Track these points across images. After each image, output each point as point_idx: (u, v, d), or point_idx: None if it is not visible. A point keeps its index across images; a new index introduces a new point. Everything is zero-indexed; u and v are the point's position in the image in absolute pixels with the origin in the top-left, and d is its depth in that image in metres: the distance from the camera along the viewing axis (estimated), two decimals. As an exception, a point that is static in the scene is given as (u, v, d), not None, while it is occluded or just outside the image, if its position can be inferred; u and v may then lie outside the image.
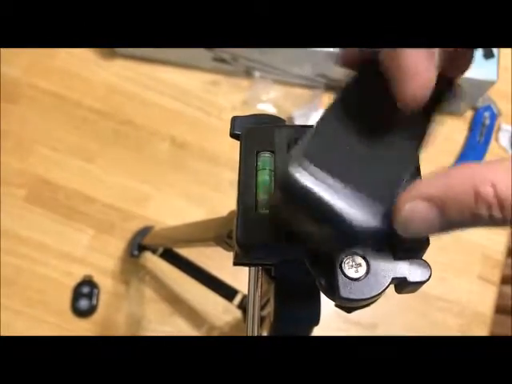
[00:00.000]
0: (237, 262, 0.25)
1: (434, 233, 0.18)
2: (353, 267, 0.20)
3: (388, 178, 0.18)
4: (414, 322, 0.77)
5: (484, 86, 0.76)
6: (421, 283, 0.21)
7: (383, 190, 0.18)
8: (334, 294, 0.20)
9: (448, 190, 0.16)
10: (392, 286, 0.21)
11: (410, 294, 0.75)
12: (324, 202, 0.17)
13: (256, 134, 0.24)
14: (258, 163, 0.23)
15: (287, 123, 0.26)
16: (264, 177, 0.22)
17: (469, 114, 0.86)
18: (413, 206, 0.17)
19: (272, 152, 0.23)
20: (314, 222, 0.18)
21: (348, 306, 0.22)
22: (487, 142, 0.83)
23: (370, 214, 0.17)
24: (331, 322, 0.73)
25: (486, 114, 0.84)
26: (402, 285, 0.21)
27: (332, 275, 0.20)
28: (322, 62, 0.79)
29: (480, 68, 0.74)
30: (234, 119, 0.25)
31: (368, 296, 0.20)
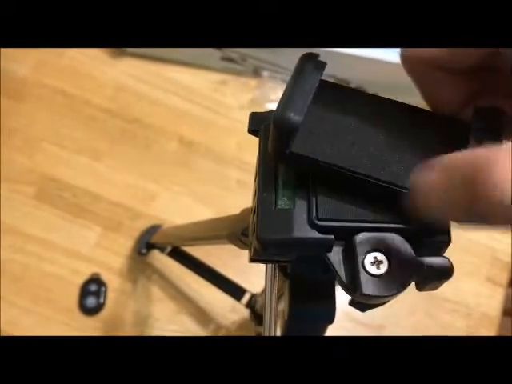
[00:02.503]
0: (254, 259, 0.25)
1: (454, 206, 0.16)
2: (374, 264, 0.20)
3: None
4: (422, 323, 0.76)
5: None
6: (442, 281, 0.20)
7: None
8: (355, 290, 0.20)
9: (451, 161, 0.16)
10: (413, 284, 0.21)
11: (417, 296, 0.74)
12: None
13: None
14: (278, 159, 0.22)
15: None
16: (283, 172, 0.22)
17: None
18: (425, 175, 0.17)
19: None
20: None
21: (368, 302, 0.21)
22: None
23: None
24: (337, 321, 0.73)
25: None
26: (423, 282, 0.20)
27: (354, 272, 0.20)
28: (330, 62, 0.78)
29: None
30: (253, 115, 0.25)
31: (389, 293, 0.20)
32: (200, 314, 0.75)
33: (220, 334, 0.74)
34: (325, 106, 0.21)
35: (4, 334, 0.71)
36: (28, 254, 0.76)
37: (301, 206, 0.21)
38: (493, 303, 0.77)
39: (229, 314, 0.74)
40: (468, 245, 0.79)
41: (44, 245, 0.77)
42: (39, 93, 0.85)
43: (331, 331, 0.75)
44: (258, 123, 0.25)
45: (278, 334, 0.34)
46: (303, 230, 0.21)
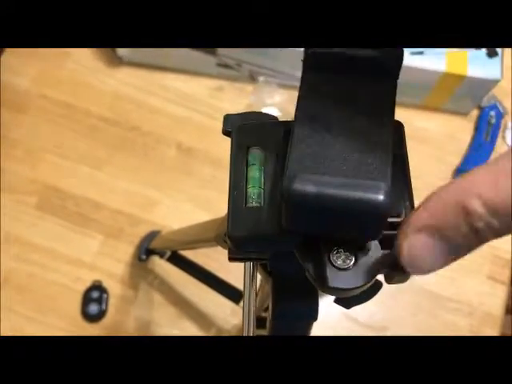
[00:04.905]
0: (232, 257, 0.25)
1: (445, 263, 0.17)
2: (341, 257, 0.20)
3: (374, 155, 0.19)
4: (424, 323, 0.76)
5: (488, 84, 0.76)
6: (409, 273, 0.21)
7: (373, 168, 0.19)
8: (323, 283, 0.20)
9: (437, 214, 0.16)
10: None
11: (419, 296, 0.74)
12: (339, 197, 0.18)
13: (247, 131, 0.24)
14: (249, 158, 0.23)
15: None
16: (254, 172, 0.23)
17: (474, 113, 0.86)
18: (411, 241, 0.17)
19: (262, 147, 0.23)
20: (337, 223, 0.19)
21: (339, 295, 0.22)
22: (493, 141, 0.83)
23: (380, 192, 0.18)
24: (339, 323, 0.73)
25: (492, 112, 0.84)
26: (391, 274, 0.21)
27: (321, 265, 0.20)
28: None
29: (484, 67, 0.74)
30: (227, 117, 0.26)
31: (356, 285, 0.20)
32: (201, 318, 0.75)
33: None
34: None
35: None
36: (31, 263, 0.77)
37: (270, 204, 0.22)
38: (495, 301, 0.77)
39: (230, 317, 0.75)
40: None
41: (47, 254, 0.77)
42: (40, 104, 0.86)
43: (332, 333, 0.76)
44: (231, 124, 0.25)
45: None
46: (272, 227, 0.21)
